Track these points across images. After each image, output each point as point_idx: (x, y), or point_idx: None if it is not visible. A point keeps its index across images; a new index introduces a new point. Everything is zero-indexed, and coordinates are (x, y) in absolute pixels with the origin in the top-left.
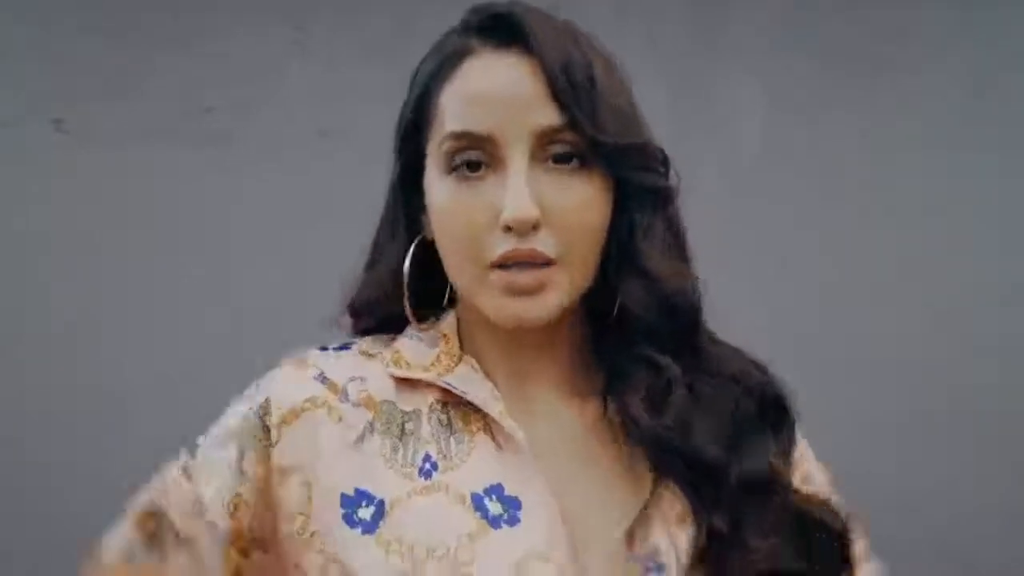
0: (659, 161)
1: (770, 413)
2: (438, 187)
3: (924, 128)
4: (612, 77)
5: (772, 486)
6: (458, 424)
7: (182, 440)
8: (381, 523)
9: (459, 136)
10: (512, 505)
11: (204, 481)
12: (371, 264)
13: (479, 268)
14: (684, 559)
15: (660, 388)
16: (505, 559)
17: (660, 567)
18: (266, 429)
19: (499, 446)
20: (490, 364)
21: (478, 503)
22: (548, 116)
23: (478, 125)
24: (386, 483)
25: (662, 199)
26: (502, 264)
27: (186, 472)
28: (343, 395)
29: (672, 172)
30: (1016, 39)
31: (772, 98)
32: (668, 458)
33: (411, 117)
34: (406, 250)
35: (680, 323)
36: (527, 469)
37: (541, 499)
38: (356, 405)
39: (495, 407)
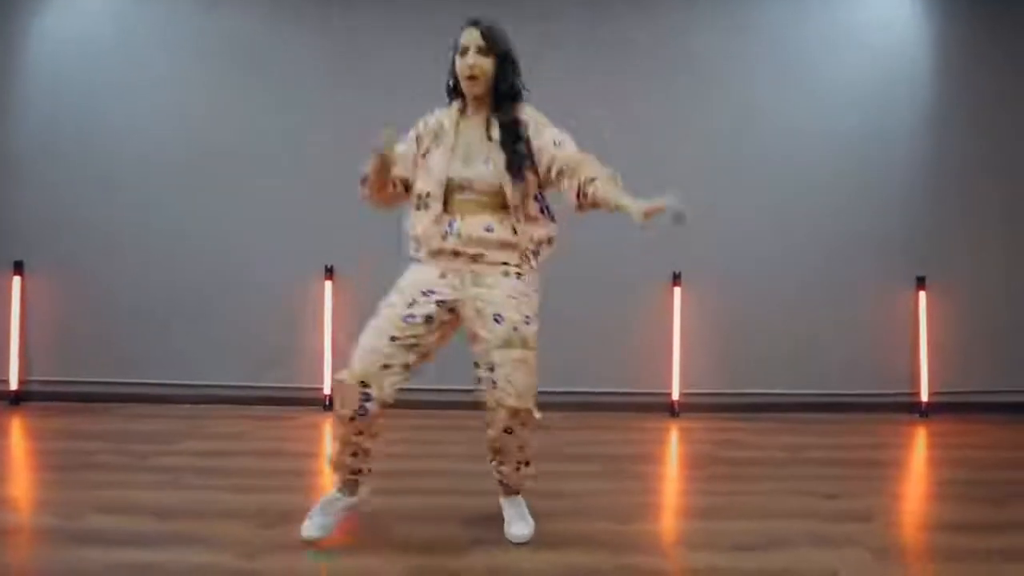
0: (509, 53)
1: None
2: (457, 60)
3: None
4: (500, 35)
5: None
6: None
7: None
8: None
9: (460, 47)
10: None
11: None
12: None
13: (463, 79)
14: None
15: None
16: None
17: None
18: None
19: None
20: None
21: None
22: (479, 40)
23: (462, 41)
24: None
25: (510, 63)
26: (468, 77)
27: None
28: (425, 124)
29: (508, 45)
30: None
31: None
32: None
33: (452, 48)
34: (451, 81)
35: (513, 96)
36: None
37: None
38: (428, 127)
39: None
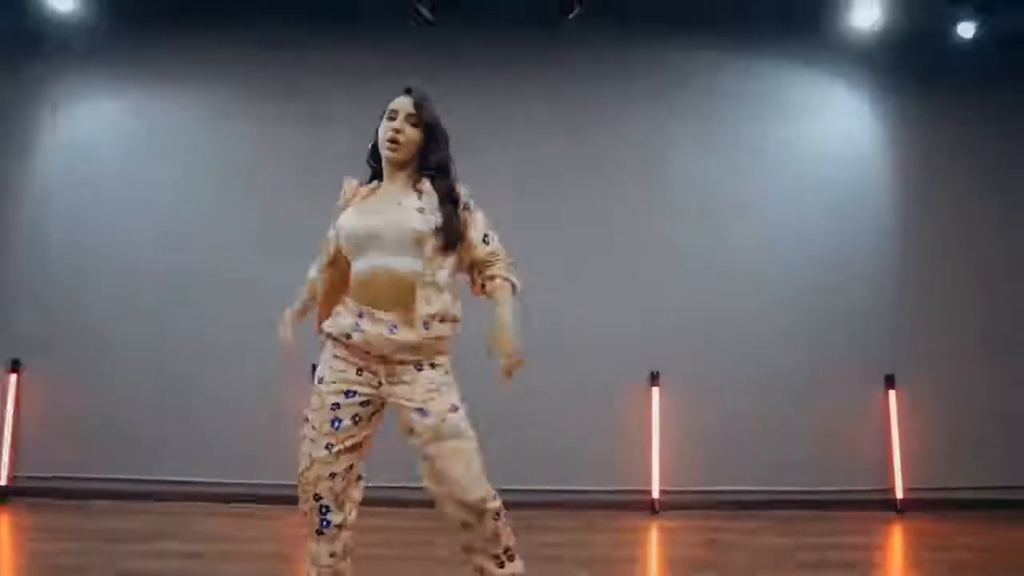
0: (439, 126)
1: (452, 193)
2: (382, 124)
3: None
4: (429, 106)
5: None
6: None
7: None
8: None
9: (388, 112)
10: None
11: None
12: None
13: (383, 143)
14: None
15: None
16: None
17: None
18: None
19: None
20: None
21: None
22: (410, 107)
23: (392, 106)
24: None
25: (440, 136)
26: (389, 140)
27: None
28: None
29: (438, 118)
30: None
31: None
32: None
33: (381, 114)
34: (371, 145)
35: (443, 169)
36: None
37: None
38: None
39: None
